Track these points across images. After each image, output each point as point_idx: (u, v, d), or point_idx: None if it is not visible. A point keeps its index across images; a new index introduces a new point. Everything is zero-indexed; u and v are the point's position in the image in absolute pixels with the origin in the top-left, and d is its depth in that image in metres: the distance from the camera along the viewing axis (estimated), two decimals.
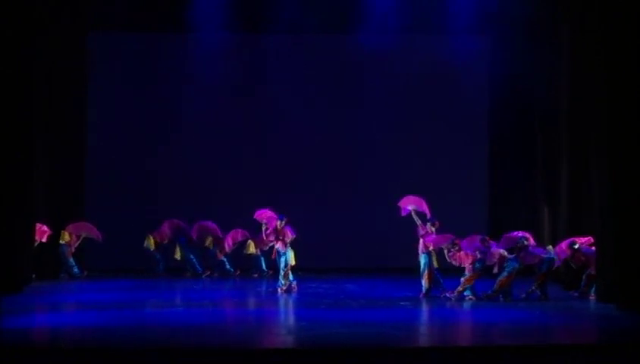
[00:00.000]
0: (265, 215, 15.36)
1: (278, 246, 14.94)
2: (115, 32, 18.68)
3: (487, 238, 14.17)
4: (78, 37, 18.02)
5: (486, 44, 18.71)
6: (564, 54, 15.59)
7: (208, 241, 17.42)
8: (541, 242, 15.84)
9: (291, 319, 12.87)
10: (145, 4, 18.00)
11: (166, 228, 17.54)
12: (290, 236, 14.93)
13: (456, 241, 14.19)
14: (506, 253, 14.00)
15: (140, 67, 18.89)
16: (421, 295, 14.33)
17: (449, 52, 18.19)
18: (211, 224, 17.47)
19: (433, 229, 14.50)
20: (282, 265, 14.91)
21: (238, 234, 17.42)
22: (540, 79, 17.14)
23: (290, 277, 15.05)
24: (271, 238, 15.16)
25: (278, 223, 15.00)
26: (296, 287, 15.06)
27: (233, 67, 18.56)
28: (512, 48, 17.62)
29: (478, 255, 13.95)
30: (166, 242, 17.60)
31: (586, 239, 14.29)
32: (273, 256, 15.22)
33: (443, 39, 18.52)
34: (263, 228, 15.35)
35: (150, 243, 17.41)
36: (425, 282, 14.42)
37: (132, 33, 18.81)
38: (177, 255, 17.56)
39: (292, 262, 14.94)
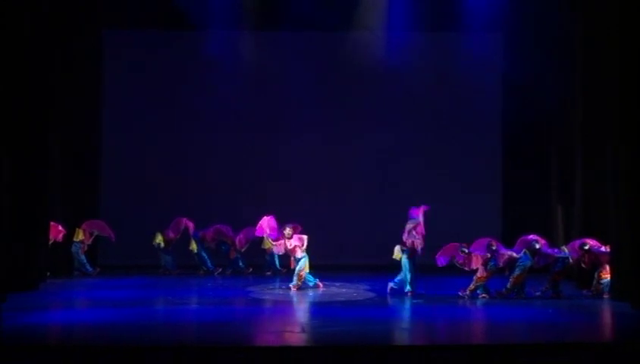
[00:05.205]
0: (263, 231, 15.48)
1: (296, 253, 15.04)
2: (129, 30, 18.76)
3: (494, 242, 14.17)
4: (93, 35, 18.13)
5: (499, 42, 18.68)
6: (578, 51, 15.53)
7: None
8: (554, 241, 15.82)
9: (304, 317, 12.89)
10: (159, 1, 18.06)
11: (174, 226, 17.59)
12: (302, 242, 14.99)
13: (464, 246, 14.19)
14: (514, 254, 14.03)
15: (154, 65, 18.98)
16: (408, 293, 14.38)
17: (462, 50, 18.24)
18: (226, 229, 17.49)
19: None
20: (298, 267, 15.00)
21: (251, 232, 17.42)
22: (554, 77, 17.08)
23: (310, 279, 15.12)
24: (281, 251, 15.26)
25: (286, 233, 15.10)
26: (321, 285, 15.14)
27: (247, 65, 18.64)
28: (526, 46, 17.60)
29: (489, 255, 13.96)
30: (174, 239, 17.60)
31: (595, 241, 14.29)
32: (292, 266, 15.28)
33: (455, 36, 18.54)
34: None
35: (159, 240, 17.46)
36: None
37: (146, 31, 18.87)
38: (193, 247, 17.59)
39: (306, 269, 15.01)
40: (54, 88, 16.11)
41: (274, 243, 15.39)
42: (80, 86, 17.67)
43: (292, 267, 15.31)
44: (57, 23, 16.22)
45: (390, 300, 13.99)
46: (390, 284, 14.50)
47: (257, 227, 15.73)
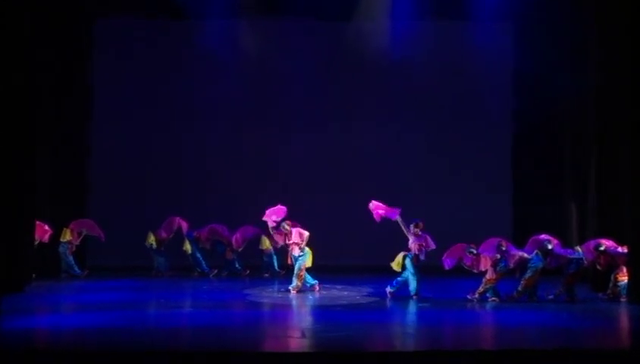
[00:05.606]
0: (272, 218, 15.40)
1: (293, 251, 15.01)
2: (120, 19, 18.68)
3: (504, 242, 14.15)
4: (82, 27, 18.16)
5: (510, 32, 18.61)
6: (593, 42, 15.47)
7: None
8: (568, 242, 15.79)
9: (305, 321, 12.87)
10: None
11: (167, 225, 17.54)
12: (302, 239, 14.97)
13: (472, 247, 14.17)
14: (525, 255, 14.00)
15: (145, 58, 18.98)
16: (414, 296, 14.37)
17: (470, 41, 18.22)
18: (222, 228, 17.46)
19: (417, 230, 14.48)
20: (297, 267, 14.97)
21: (248, 231, 17.44)
22: (568, 69, 16.98)
23: (309, 278, 15.10)
24: (281, 241, 15.25)
25: (283, 228, 15.09)
26: (318, 287, 15.12)
27: (244, 56, 18.59)
28: (538, 36, 17.55)
29: (498, 256, 13.94)
30: (167, 239, 17.54)
31: (611, 242, 14.25)
32: (289, 262, 15.28)
33: (463, 25, 18.47)
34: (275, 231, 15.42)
35: (152, 240, 17.42)
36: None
37: (137, 20, 18.81)
38: (186, 247, 17.53)
39: (308, 263, 14.99)
40: (41, 84, 16.11)
41: (274, 232, 15.29)
42: (68, 81, 17.69)
43: (289, 263, 15.29)
44: (45, 16, 16.21)
45: (393, 304, 13.96)
46: (388, 289, 14.47)
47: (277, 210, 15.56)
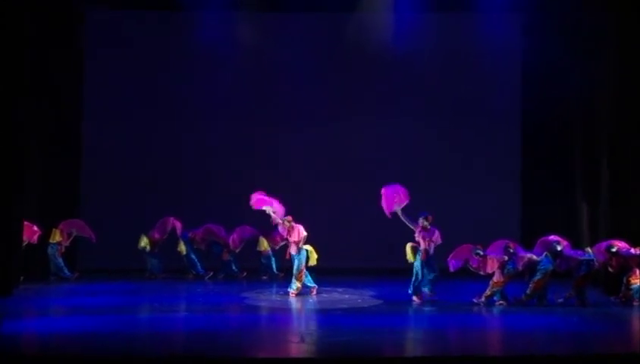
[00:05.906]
0: (263, 204, 15.30)
1: (291, 249, 15.02)
2: (113, 10, 18.67)
3: (511, 244, 14.15)
4: (75, 19, 18.18)
5: (519, 23, 18.56)
6: (607, 34, 15.44)
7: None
8: (578, 243, 15.80)
9: (304, 325, 12.87)
10: None
11: (160, 226, 17.53)
12: (299, 237, 14.98)
13: (479, 248, 14.18)
14: (534, 257, 14.00)
15: (138, 52, 18.92)
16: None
17: (477, 33, 18.20)
18: (218, 229, 17.45)
19: (427, 223, 14.45)
20: (295, 267, 14.97)
21: (246, 231, 17.43)
22: (580, 63, 16.94)
23: (309, 280, 15.11)
24: (284, 234, 15.27)
25: (286, 223, 15.07)
26: (315, 291, 15.12)
27: (242, 51, 18.57)
28: (549, 27, 17.50)
29: (506, 258, 13.95)
30: (161, 240, 17.53)
31: (623, 243, 14.26)
32: (287, 257, 15.32)
33: (469, 16, 18.41)
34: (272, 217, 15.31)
35: (145, 243, 17.40)
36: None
37: (132, 12, 18.78)
38: (181, 249, 17.52)
39: (312, 262, 15.03)
40: (32, 81, 16.13)
41: (279, 225, 15.27)
42: (60, 79, 17.71)
43: (287, 258, 15.32)
44: (35, 12, 16.24)
45: (396, 308, 13.95)
46: (426, 291, 14.45)
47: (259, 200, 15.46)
